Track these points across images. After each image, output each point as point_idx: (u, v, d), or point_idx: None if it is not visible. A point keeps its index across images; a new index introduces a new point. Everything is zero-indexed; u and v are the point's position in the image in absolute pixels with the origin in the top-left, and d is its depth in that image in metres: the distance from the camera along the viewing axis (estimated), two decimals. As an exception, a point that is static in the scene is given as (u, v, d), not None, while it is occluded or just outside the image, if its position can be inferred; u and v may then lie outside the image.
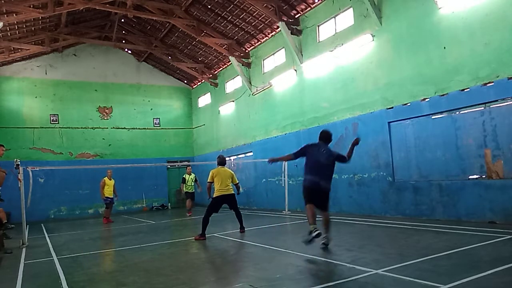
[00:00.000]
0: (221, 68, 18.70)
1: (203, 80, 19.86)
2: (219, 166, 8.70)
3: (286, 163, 12.90)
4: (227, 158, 18.36)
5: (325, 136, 6.27)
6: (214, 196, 8.43)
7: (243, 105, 16.95)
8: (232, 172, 8.86)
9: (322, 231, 5.92)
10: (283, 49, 14.33)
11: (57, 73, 18.38)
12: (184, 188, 14.44)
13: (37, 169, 10.82)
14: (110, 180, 13.60)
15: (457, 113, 8.59)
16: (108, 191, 13.46)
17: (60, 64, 18.50)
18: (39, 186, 15.82)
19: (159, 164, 19.19)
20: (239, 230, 8.72)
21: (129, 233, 10.27)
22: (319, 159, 6.02)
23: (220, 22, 15.28)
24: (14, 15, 12.89)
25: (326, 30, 12.40)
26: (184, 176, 14.67)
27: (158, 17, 15.08)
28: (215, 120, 19.57)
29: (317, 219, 5.99)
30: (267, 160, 6.94)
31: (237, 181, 8.88)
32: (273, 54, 14.98)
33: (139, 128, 20.11)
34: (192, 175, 14.61)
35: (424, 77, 9.22)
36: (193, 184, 14.57)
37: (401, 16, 9.77)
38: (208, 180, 8.57)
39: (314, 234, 5.68)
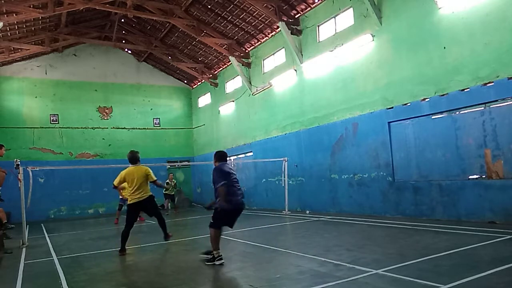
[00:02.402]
0: (221, 68, 18.70)
1: (203, 80, 19.86)
2: (131, 165, 7.26)
3: (286, 163, 12.92)
4: (227, 158, 18.56)
5: (226, 155, 6.17)
6: (128, 203, 7.20)
7: (243, 105, 16.95)
8: (147, 169, 7.26)
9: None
10: (283, 49, 14.32)
11: (57, 73, 18.38)
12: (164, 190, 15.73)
13: (37, 169, 10.81)
14: None
15: (457, 113, 8.59)
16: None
17: (60, 64, 18.50)
18: (39, 186, 15.81)
19: (159, 164, 19.18)
20: (164, 238, 7.58)
21: (129, 233, 10.25)
22: (235, 177, 5.90)
23: (220, 22, 15.28)
24: (14, 15, 12.89)
25: (326, 30, 12.40)
26: (167, 181, 16.11)
27: (158, 17, 15.08)
28: (215, 120, 19.57)
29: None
30: (205, 207, 6.15)
31: (155, 178, 7.32)
32: (273, 54, 14.97)
33: (139, 128, 20.11)
34: (173, 182, 16.28)
35: (424, 77, 9.22)
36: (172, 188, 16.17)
37: (401, 16, 9.77)
38: (114, 183, 7.38)
39: (218, 263, 5.49)
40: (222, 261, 5.55)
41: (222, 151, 6.26)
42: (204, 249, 7.06)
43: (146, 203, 7.08)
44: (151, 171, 7.28)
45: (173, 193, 16.23)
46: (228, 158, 6.28)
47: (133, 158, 7.22)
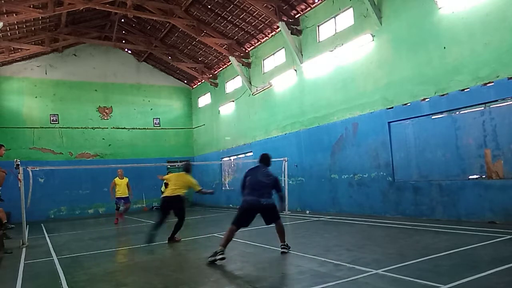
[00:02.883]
0: (221, 68, 18.70)
1: (203, 80, 19.86)
2: (182, 172, 8.32)
3: (286, 163, 12.95)
4: (226, 158, 18.64)
5: (264, 158, 6.49)
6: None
7: (243, 105, 16.95)
8: (190, 181, 8.10)
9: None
10: (283, 49, 14.32)
11: (57, 73, 18.38)
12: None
13: (37, 169, 10.81)
14: (122, 179, 13.18)
15: (457, 113, 8.59)
16: (119, 192, 12.97)
17: (60, 64, 18.50)
18: (39, 186, 15.81)
19: (159, 164, 19.18)
20: (168, 238, 8.02)
21: (129, 233, 10.28)
22: (257, 179, 6.19)
23: (220, 22, 15.28)
24: (14, 15, 12.90)
25: (326, 30, 12.40)
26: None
27: (158, 17, 15.08)
28: (215, 120, 19.57)
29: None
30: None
31: (198, 188, 8.14)
32: (273, 54, 14.97)
33: (139, 128, 20.12)
34: None
35: (424, 77, 9.22)
36: None
37: (401, 16, 9.77)
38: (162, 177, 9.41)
39: (219, 257, 5.58)
40: (223, 256, 5.56)
41: (263, 154, 6.60)
42: (203, 249, 7.10)
43: (172, 200, 7.87)
44: (194, 182, 8.14)
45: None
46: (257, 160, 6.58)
47: (185, 168, 8.35)
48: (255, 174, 6.25)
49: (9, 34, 14.98)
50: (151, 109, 20.62)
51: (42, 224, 14.43)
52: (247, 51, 16.34)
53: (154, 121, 20.68)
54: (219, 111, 18.99)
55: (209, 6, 14.59)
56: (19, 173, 8.60)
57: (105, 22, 17.61)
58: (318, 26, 12.61)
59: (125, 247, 7.77)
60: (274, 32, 14.56)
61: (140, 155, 19.57)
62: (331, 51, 11.84)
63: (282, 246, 6.21)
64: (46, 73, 18.13)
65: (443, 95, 8.76)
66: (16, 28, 14.77)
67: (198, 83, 21.12)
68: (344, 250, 5.96)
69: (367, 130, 10.71)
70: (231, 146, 18.05)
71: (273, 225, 6.36)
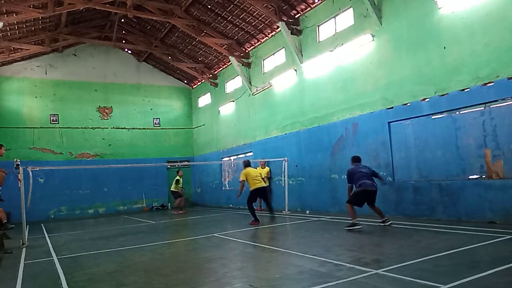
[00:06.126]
0: (221, 68, 18.70)
1: (203, 80, 19.87)
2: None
3: (286, 163, 12.96)
4: (226, 158, 18.65)
5: (355, 158, 8.75)
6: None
7: (243, 105, 16.95)
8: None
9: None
10: (283, 49, 14.32)
11: (57, 73, 18.38)
12: (175, 189, 16.22)
13: (37, 169, 10.82)
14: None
15: (457, 113, 8.59)
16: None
17: (60, 64, 18.51)
18: (39, 186, 15.84)
19: (159, 164, 19.20)
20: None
21: (129, 233, 10.27)
22: (362, 170, 8.40)
23: (220, 22, 15.28)
24: (14, 15, 12.89)
25: (326, 30, 12.40)
26: (177, 178, 16.32)
27: (158, 17, 15.08)
28: (215, 120, 19.57)
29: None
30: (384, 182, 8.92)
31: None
32: (273, 54, 14.97)
33: (139, 128, 20.12)
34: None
35: (424, 77, 9.22)
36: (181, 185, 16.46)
37: (401, 16, 9.77)
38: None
39: (357, 228, 7.95)
40: (359, 227, 7.86)
41: (355, 156, 8.76)
42: (203, 249, 7.11)
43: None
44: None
45: (179, 190, 16.30)
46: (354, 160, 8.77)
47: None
48: (359, 170, 8.34)
49: (9, 34, 14.97)
50: (151, 109, 20.62)
51: (42, 224, 14.44)
52: (247, 51, 16.34)
53: (154, 121, 20.68)
54: (219, 111, 18.99)
55: (209, 6, 14.59)
56: (19, 173, 8.60)
57: (105, 22, 17.60)
58: (318, 26, 12.61)
59: (125, 247, 7.77)
60: (274, 32, 14.56)
61: (140, 155, 19.58)
62: (331, 51, 11.84)
63: (384, 220, 8.16)
64: (46, 73, 18.13)
65: (443, 95, 8.76)
66: (16, 28, 14.76)
67: (198, 83, 21.12)
68: (344, 250, 5.96)
69: (367, 130, 10.71)
70: (231, 146, 18.04)
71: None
